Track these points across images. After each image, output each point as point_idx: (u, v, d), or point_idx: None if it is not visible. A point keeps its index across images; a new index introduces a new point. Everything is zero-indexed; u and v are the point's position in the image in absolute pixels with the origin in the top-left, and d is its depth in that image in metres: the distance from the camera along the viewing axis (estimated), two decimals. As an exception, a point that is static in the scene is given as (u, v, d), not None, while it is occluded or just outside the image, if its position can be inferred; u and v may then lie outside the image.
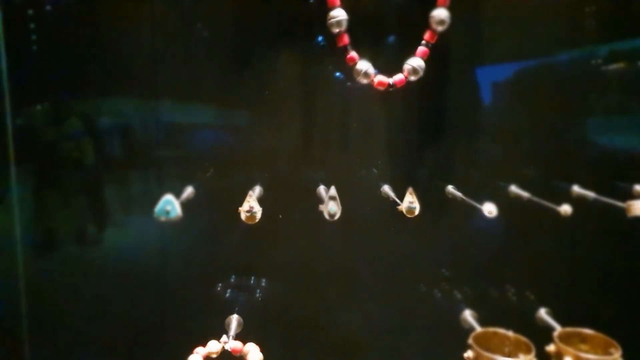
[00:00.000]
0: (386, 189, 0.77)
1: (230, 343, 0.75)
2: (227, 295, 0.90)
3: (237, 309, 0.87)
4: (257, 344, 0.88)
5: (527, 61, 0.91)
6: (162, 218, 0.65)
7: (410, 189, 0.67)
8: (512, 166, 0.91)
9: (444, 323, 0.90)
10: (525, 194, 0.79)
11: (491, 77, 0.91)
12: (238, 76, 0.83)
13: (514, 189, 0.82)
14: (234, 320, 0.83)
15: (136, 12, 0.80)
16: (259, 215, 0.66)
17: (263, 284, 0.92)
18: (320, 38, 0.80)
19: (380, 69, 0.68)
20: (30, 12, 0.79)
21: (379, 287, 0.93)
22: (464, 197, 0.75)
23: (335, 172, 0.85)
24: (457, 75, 0.88)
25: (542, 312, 0.86)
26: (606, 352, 0.74)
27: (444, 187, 0.82)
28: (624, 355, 0.72)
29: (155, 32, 0.81)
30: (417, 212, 0.67)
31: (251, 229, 0.82)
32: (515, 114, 0.92)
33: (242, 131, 0.88)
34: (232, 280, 0.92)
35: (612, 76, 0.90)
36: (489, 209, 0.67)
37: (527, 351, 0.73)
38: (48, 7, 0.78)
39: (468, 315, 0.85)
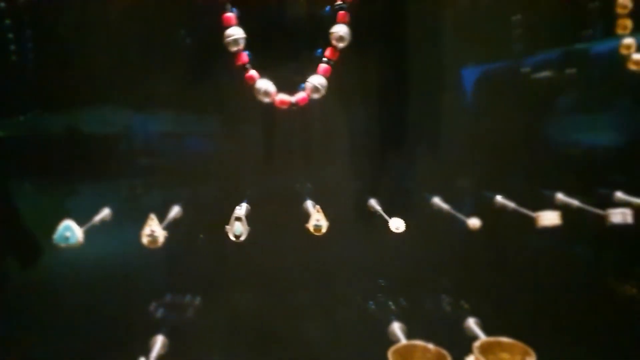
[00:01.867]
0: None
1: (148, 366, 0.74)
2: (159, 314, 0.89)
3: (164, 329, 0.86)
4: (222, 356, 0.88)
5: (492, 64, 0.91)
6: (62, 244, 0.64)
7: (317, 207, 0.67)
8: (447, 176, 0.91)
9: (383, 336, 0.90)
10: (445, 206, 0.79)
11: (456, 81, 0.90)
12: (192, 86, 0.82)
13: (436, 200, 0.82)
14: (159, 341, 0.83)
15: (92, 19, 0.78)
16: (161, 239, 0.65)
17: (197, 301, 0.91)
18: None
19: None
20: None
21: (321, 298, 0.93)
22: (381, 212, 0.74)
23: (298, 181, 0.85)
24: (421, 81, 0.87)
25: (471, 322, 0.86)
26: (523, 358, 0.74)
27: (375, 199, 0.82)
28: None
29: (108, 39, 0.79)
30: (324, 229, 0.66)
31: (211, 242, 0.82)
32: (477, 118, 0.92)
33: (197, 141, 0.87)
34: (167, 299, 0.91)
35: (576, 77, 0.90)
36: (396, 225, 0.66)
37: (446, 364, 0.73)
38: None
39: (396, 328, 0.84)
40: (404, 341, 0.80)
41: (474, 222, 0.68)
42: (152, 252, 0.82)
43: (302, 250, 0.86)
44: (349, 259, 0.90)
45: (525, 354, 0.76)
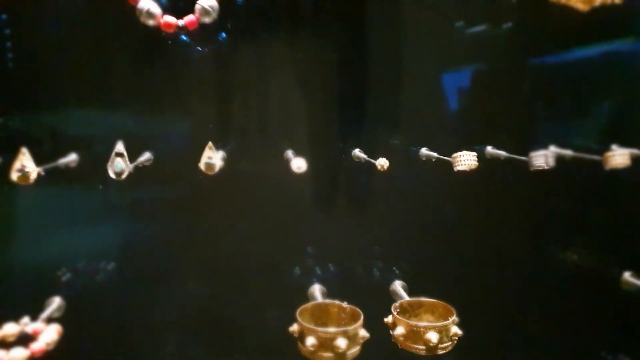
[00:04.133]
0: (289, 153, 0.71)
1: (31, 325, 0.67)
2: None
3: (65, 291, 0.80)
4: (177, 346, 0.82)
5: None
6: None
7: (210, 144, 0.61)
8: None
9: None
10: (364, 156, 0.74)
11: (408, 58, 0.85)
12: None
13: (357, 151, 0.76)
14: (55, 302, 0.76)
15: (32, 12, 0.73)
16: (33, 175, 0.58)
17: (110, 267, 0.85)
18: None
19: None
20: None
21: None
22: (290, 154, 0.69)
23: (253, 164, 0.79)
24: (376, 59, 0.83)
25: (397, 285, 0.81)
26: (447, 318, 0.69)
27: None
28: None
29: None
30: (217, 168, 0.61)
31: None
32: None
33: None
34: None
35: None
36: (298, 165, 0.61)
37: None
38: None
39: (316, 289, 0.79)
40: (319, 300, 0.74)
41: (382, 162, 0.63)
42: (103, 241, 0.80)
43: (251, 233, 0.82)
44: (300, 240, 0.85)
45: (448, 313, 0.70)
